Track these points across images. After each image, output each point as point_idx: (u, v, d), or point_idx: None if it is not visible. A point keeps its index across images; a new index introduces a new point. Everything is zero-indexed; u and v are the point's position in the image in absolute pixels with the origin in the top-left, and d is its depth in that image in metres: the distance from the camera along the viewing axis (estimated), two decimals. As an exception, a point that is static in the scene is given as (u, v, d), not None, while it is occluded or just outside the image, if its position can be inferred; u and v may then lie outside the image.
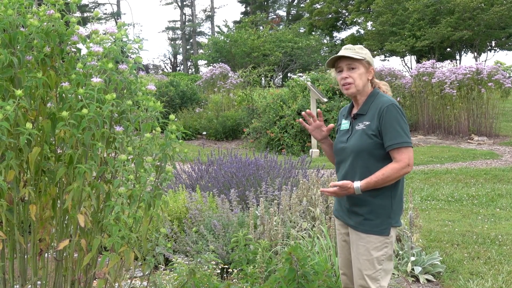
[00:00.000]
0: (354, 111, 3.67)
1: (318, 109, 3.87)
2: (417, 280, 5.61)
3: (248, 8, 58.44)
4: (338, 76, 3.64)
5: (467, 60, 39.51)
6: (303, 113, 3.87)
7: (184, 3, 60.79)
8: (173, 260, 4.99)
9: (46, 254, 3.59)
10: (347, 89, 3.58)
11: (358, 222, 3.53)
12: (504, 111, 21.09)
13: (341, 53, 3.57)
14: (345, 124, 3.70)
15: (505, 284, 5.36)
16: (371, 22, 38.46)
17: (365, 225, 3.50)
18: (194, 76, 34.75)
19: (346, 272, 3.79)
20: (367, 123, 3.50)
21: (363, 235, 3.51)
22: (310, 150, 15.55)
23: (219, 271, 5.24)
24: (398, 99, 20.53)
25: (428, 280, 5.61)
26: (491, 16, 31.43)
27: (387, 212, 3.49)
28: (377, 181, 3.40)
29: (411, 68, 34.94)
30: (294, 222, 5.93)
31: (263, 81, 29.41)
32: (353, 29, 46.23)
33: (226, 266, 5.46)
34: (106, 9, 66.96)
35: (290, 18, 56.36)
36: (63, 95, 3.36)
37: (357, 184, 3.43)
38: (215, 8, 63.33)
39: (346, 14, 44.77)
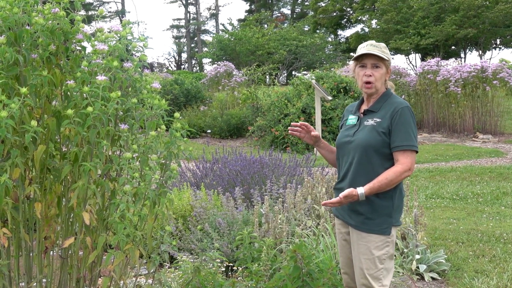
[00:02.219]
0: (364, 107, 3.66)
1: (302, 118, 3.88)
2: (422, 278, 5.61)
3: (252, 6, 58.38)
4: (359, 71, 3.61)
5: (472, 58, 39.54)
6: (290, 127, 3.88)
7: (189, 1, 60.80)
8: (178, 258, 5.00)
9: (51, 252, 3.60)
10: (368, 88, 3.57)
11: (359, 222, 3.53)
12: (509, 109, 21.07)
13: (369, 49, 3.55)
14: (352, 119, 3.69)
15: (510, 282, 5.35)
16: (376, 20, 38.40)
17: (367, 225, 3.50)
18: (198, 74, 34.76)
19: (348, 272, 3.79)
20: (378, 120, 3.50)
21: (364, 235, 3.50)
22: (315, 148, 15.54)
23: (224, 269, 5.25)
24: (403, 97, 20.51)
25: (433, 278, 5.61)
26: (496, 14, 31.34)
27: (388, 211, 3.49)
28: (380, 186, 3.41)
29: (416, 66, 34.91)
30: (299, 220, 5.93)
31: (267, 79, 29.37)
32: (358, 27, 46.17)
33: (231, 264, 5.46)
34: (110, 7, 66.94)
35: (294, 16, 56.30)
36: (68, 93, 3.37)
37: (361, 190, 3.41)
38: (220, 6, 63.30)
39: (351, 12, 44.70)
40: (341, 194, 3.44)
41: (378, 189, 3.41)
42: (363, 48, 3.59)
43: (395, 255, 5.51)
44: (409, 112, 3.49)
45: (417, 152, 3.49)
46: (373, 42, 3.62)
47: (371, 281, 3.48)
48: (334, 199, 3.48)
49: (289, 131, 3.92)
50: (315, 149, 14.02)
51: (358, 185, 3.47)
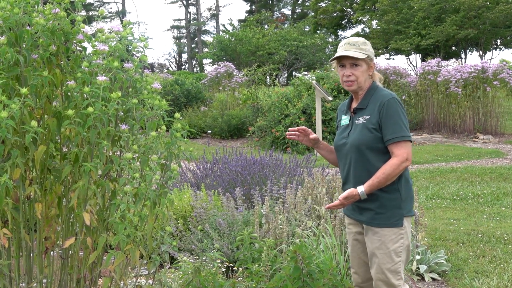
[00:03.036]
0: (354, 105, 3.67)
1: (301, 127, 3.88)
2: (422, 278, 5.61)
3: (253, 7, 58.39)
4: (340, 71, 3.63)
5: (473, 59, 39.38)
6: (288, 132, 3.89)
7: (189, 1, 60.81)
8: (178, 258, 5.00)
9: (51, 252, 3.60)
10: (349, 86, 3.59)
11: (370, 217, 3.53)
12: (509, 110, 21.06)
13: (344, 51, 3.55)
14: (345, 120, 3.70)
15: (511, 283, 5.35)
16: (376, 21, 38.35)
17: (377, 219, 3.50)
18: (199, 75, 34.74)
19: (358, 271, 3.79)
20: (367, 117, 3.51)
21: (377, 229, 3.50)
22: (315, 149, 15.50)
23: (224, 269, 5.24)
24: (404, 97, 20.53)
25: (433, 279, 5.60)
26: (496, 15, 31.29)
27: (397, 203, 3.49)
28: (379, 181, 3.41)
29: (416, 66, 34.90)
30: (299, 221, 5.93)
31: (268, 80, 29.37)
32: (358, 28, 46.14)
33: (231, 265, 5.46)
34: (111, 8, 66.96)
35: (295, 16, 56.28)
36: (69, 93, 3.37)
37: (361, 189, 3.44)
38: (220, 6, 63.24)
39: (351, 12, 44.67)
40: (341, 196, 3.46)
41: (378, 185, 3.41)
42: (341, 48, 3.61)
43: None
44: (396, 103, 3.47)
45: (411, 141, 3.48)
46: (350, 39, 3.62)
47: (389, 275, 3.48)
48: (335, 202, 3.50)
49: (286, 136, 3.93)
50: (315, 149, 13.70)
51: (363, 184, 3.48)
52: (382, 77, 3.80)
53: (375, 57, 3.67)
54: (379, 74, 3.73)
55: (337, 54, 3.58)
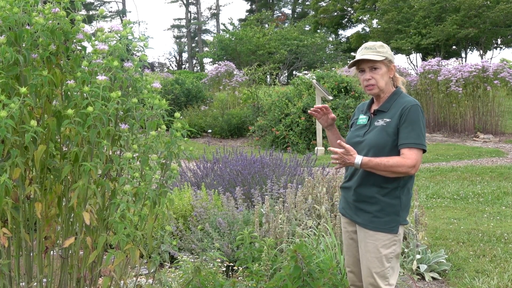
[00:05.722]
0: (375, 107, 3.65)
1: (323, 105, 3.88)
2: (423, 278, 5.61)
3: (253, 6, 58.41)
4: (360, 76, 3.63)
5: (473, 58, 39.50)
6: (311, 109, 3.87)
7: (190, 1, 60.79)
8: (178, 257, 4.99)
9: (51, 252, 3.60)
10: (370, 89, 3.58)
11: (367, 220, 3.52)
12: (510, 109, 21.06)
13: (361, 55, 3.55)
14: (362, 119, 3.68)
15: (511, 282, 5.35)
16: (377, 20, 38.40)
17: (374, 223, 3.49)
18: (199, 74, 34.73)
19: (354, 270, 3.79)
20: (388, 120, 3.49)
21: (372, 233, 3.50)
22: (316, 148, 15.54)
23: (224, 269, 5.24)
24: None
25: (433, 278, 5.60)
26: (497, 14, 31.33)
27: (396, 210, 3.48)
28: (378, 164, 3.36)
29: (417, 66, 34.90)
30: (299, 220, 5.93)
31: (268, 79, 29.37)
32: (359, 27, 46.21)
33: (231, 264, 5.46)
34: (111, 7, 67.16)
35: (295, 16, 56.29)
36: (69, 93, 3.36)
37: (360, 158, 3.37)
38: (220, 6, 63.19)
39: (352, 12, 44.72)
40: (345, 145, 3.39)
41: (374, 166, 3.37)
42: (358, 53, 3.61)
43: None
44: (418, 110, 3.46)
45: (424, 151, 3.47)
46: (368, 44, 3.61)
47: (378, 280, 3.48)
48: (338, 150, 3.41)
49: (309, 112, 3.91)
50: (315, 148, 13.83)
51: (366, 185, 3.49)
52: (405, 80, 3.79)
53: (394, 59, 3.66)
54: (402, 77, 3.73)
55: (356, 58, 3.60)
